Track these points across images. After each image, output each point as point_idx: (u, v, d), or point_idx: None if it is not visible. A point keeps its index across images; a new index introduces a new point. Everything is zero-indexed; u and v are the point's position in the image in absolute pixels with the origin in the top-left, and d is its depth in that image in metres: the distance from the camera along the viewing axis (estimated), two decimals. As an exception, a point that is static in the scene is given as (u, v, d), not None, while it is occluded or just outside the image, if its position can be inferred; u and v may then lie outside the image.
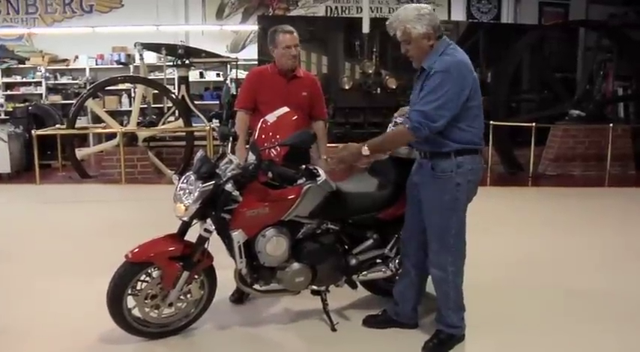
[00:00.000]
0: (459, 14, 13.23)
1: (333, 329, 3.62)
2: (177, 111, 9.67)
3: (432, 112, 3.05)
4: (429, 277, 3.54)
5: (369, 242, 3.72)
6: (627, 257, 5.22)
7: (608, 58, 11.76)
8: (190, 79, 10.64)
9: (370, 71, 9.92)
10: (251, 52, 12.21)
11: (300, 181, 3.43)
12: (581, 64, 12.26)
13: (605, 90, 11.67)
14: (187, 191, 3.28)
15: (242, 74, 10.57)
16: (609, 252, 5.34)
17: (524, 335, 3.63)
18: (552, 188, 8.74)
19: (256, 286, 3.54)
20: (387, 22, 3.22)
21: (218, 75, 12.68)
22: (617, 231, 6.08)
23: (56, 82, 12.72)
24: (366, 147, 3.19)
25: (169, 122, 9.94)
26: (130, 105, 11.83)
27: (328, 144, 4.56)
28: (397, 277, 3.71)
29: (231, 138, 3.55)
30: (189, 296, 3.49)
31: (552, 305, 4.08)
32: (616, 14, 12.58)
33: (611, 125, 9.06)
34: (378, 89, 9.92)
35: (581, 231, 6.10)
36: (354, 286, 3.79)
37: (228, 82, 11.51)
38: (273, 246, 3.38)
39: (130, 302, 3.37)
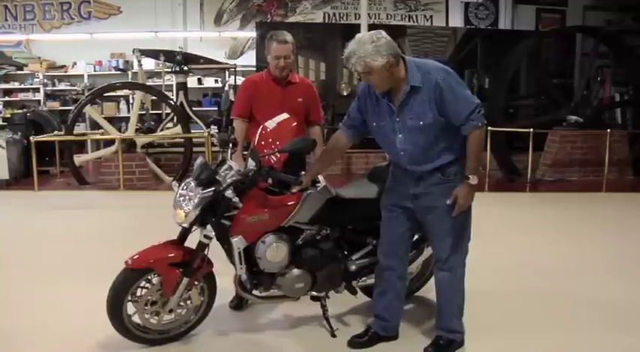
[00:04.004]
0: (456, 20, 13.27)
1: (333, 335, 3.62)
2: (175, 118, 9.67)
3: (478, 101, 3.12)
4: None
5: (369, 248, 3.72)
6: (625, 262, 5.23)
7: (605, 64, 11.81)
8: (189, 86, 10.64)
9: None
10: (249, 59, 12.24)
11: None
12: (578, 69, 12.31)
13: (602, 95, 11.71)
14: (187, 197, 3.29)
15: (241, 80, 10.59)
16: (608, 257, 5.36)
17: (523, 340, 3.63)
18: (550, 193, 8.77)
19: (256, 292, 3.54)
20: (344, 57, 3.08)
21: (216, 81, 12.70)
22: (615, 236, 6.10)
23: (54, 88, 12.71)
24: (471, 177, 3.12)
25: (168, 128, 9.94)
26: (129, 111, 11.81)
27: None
28: (378, 295, 3.59)
29: (230, 145, 3.57)
30: (189, 302, 3.49)
31: (551, 311, 4.08)
32: (612, 20, 12.63)
33: (608, 131, 9.09)
34: (376, 95, 9.94)
35: (579, 237, 6.11)
36: (353, 292, 3.80)
37: (227, 88, 11.52)
38: (273, 252, 3.38)
39: (130, 308, 3.38)
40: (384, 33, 3.04)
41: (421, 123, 3.10)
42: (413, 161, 3.22)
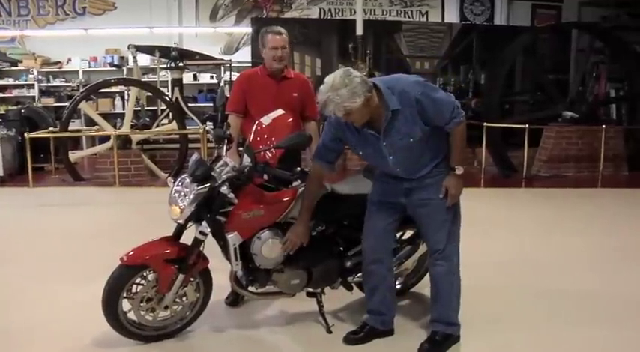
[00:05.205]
0: (452, 16, 13.27)
1: (329, 331, 3.62)
2: (170, 114, 9.65)
3: (453, 99, 3.21)
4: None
5: (364, 244, 3.72)
6: (619, 257, 5.24)
7: (601, 60, 11.82)
8: (184, 82, 10.62)
9: (364, 73, 9.88)
10: (245, 55, 12.19)
11: (295, 183, 3.44)
12: (573, 65, 12.32)
13: (597, 91, 11.72)
14: (182, 193, 3.28)
15: (236, 76, 10.58)
16: (602, 253, 5.37)
17: (519, 335, 3.63)
18: (545, 189, 8.78)
19: (252, 288, 3.54)
20: (319, 103, 3.08)
21: (212, 77, 12.67)
22: (609, 232, 6.12)
23: (49, 84, 12.67)
24: (457, 167, 3.24)
25: (163, 124, 9.93)
26: (124, 107, 11.80)
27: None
28: (370, 291, 3.58)
29: (226, 141, 3.56)
30: (184, 298, 3.49)
31: (547, 305, 4.09)
32: (608, 16, 12.65)
33: (603, 126, 9.12)
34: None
35: (574, 232, 6.12)
36: (349, 288, 3.80)
37: (222, 84, 11.51)
38: (269, 248, 3.38)
39: (126, 305, 3.36)
40: (352, 70, 3.05)
41: (411, 140, 3.16)
42: (409, 172, 3.28)
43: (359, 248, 3.67)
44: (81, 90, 10.82)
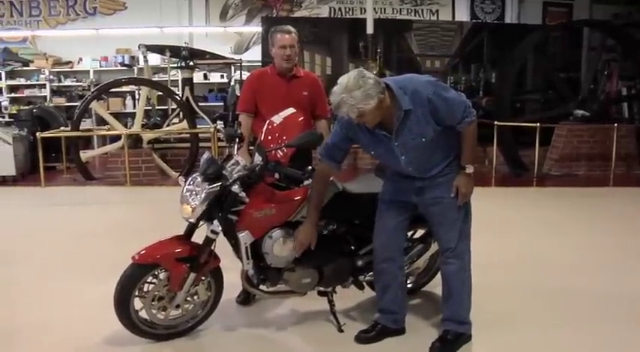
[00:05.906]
0: (462, 15, 13.24)
1: (340, 330, 3.62)
2: (181, 113, 9.68)
3: (465, 98, 3.21)
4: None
5: (376, 243, 3.71)
6: (633, 257, 5.20)
7: (613, 58, 11.74)
8: (194, 81, 10.65)
9: (374, 72, 9.89)
10: (255, 54, 12.24)
11: (306, 182, 3.44)
12: (585, 63, 12.25)
13: (609, 89, 11.64)
14: (194, 192, 3.28)
15: (247, 75, 10.59)
16: (614, 252, 5.33)
17: (530, 335, 3.62)
18: (557, 188, 8.73)
19: (263, 287, 3.54)
20: (332, 104, 3.05)
21: (222, 76, 12.70)
22: (622, 231, 6.07)
23: (60, 84, 12.76)
24: (467, 166, 3.25)
25: (174, 124, 9.95)
26: (134, 107, 11.85)
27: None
28: (381, 290, 3.58)
29: (237, 140, 3.56)
30: (196, 297, 3.50)
31: (557, 306, 4.07)
32: (620, 14, 12.56)
33: (615, 125, 9.05)
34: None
35: (585, 231, 6.09)
36: (360, 287, 3.80)
37: (233, 83, 11.52)
38: (280, 247, 3.38)
39: (137, 303, 3.37)
40: (366, 72, 3.03)
41: (424, 139, 3.15)
42: (421, 171, 3.28)
43: (370, 247, 3.67)
44: (92, 89, 10.89)
